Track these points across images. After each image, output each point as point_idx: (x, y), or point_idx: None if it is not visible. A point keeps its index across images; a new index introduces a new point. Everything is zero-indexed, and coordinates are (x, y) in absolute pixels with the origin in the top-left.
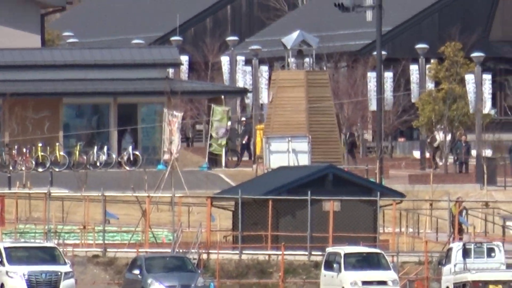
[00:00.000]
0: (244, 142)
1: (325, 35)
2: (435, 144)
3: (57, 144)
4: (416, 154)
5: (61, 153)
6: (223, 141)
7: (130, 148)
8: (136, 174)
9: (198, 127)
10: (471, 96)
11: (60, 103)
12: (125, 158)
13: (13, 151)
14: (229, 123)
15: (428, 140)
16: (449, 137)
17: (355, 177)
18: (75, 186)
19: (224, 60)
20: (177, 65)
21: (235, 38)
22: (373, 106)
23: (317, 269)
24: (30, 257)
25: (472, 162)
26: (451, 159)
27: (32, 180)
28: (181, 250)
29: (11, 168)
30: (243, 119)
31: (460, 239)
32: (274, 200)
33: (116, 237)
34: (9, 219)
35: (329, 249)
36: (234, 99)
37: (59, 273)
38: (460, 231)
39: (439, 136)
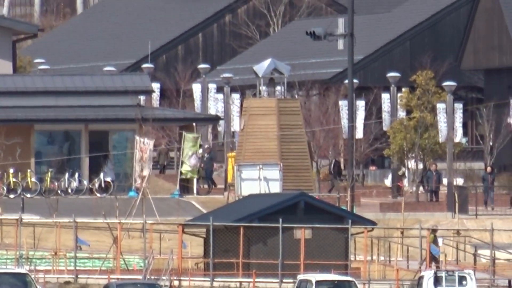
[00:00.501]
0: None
1: (296, 63)
2: (400, 173)
3: (28, 170)
4: (387, 182)
5: (33, 179)
6: (195, 170)
7: (102, 175)
8: (107, 201)
9: (171, 154)
10: (442, 125)
11: (32, 130)
12: (97, 185)
13: None
14: (201, 150)
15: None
16: (420, 165)
17: (327, 205)
18: (46, 213)
19: (196, 87)
20: (148, 92)
21: (207, 66)
22: (344, 134)
23: None
24: (1, 284)
25: (444, 190)
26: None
27: (3, 206)
28: (152, 277)
29: None
30: (206, 146)
31: (437, 267)
32: (245, 227)
33: (88, 263)
34: None
35: (301, 277)
36: (206, 127)
37: None
38: (435, 259)
39: (405, 164)
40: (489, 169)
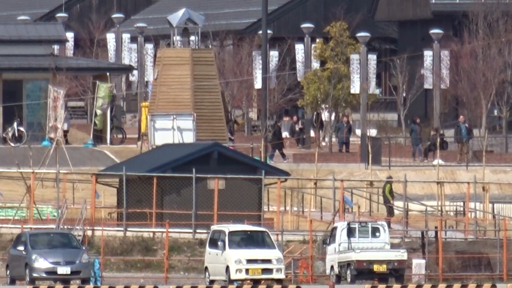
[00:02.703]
0: None
1: (211, 13)
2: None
3: None
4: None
5: None
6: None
7: (15, 124)
8: (21, 150)
9: (82, 103)
10: (355, 76)
11: None
12: (10, 134)
13: None
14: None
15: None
16: (333, 116)
17: (240, 155)
18: None
19: (110, 37)
20: (62, 41)
21: (121, 15)
22: (258, 85)
23: (202, 247)
24: None
25: (357, 141)
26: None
27: None
28: (65, 227)
29: None
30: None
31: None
32: (158, 178)
33: (1, 213)
34: None
35: (214, 227)
36: (120, 77)
37: None
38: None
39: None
40: (418, 120)
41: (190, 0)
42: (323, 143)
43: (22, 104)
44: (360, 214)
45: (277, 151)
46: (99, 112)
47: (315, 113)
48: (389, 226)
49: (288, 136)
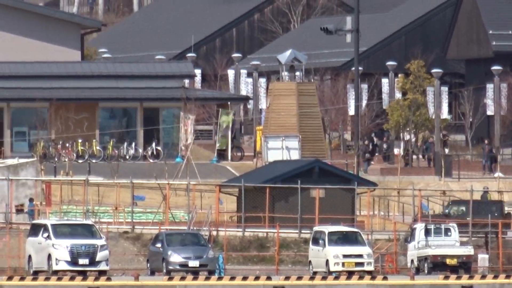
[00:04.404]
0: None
1: (312, 53)
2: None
3: (94, 140)
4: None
5: (97, 147)
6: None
7: (153, 144)
8: (158, 165)
9: (208, 127)
10: (431, 104)
11: (97, 107)
12: (149, 152)
13: (58, 146)
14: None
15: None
16: (413, 137)
17: (337, 170)
18: (108, 175)
19: (230, 72)
20: (191, 76)
21: (239, 55)
22: (351, 112)
23: (306, 244)
24: (72, 232)
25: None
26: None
27: (73, 170)
28: (195, 228)
29: (56, 159)
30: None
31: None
32: (270, 188)
33: (142, 216)
34: (55, 201)
35: (316, 228)
36: (238, 105)
37: (96, 246)
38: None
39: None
40: (486, 141)
41: (296, 42)
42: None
43: (159, 127)
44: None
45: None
46: (221, 134)
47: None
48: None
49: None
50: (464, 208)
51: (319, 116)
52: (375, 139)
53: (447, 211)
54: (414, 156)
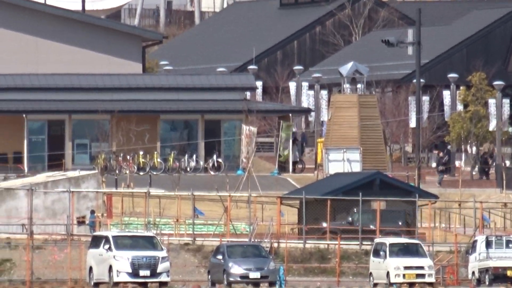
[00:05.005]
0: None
1: (374, 65)
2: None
3: (155, 152)
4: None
5: (158, 160)
6: (287, 151)
7: (215, 156)
8: (219, 177)
9: (269, 139)
10: (492, 116)
11: (158, 119)
12: (210, 164)
13: (119, 158)
14: (295, 136)
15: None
16: (474, 149)
17: (398, 182)
18: (169, 187)
19: (292, 85)
20: (253, 89)
21: (301, 67)
22: (412, 124)
23: (367, 256)
24: (133, 244)
25: (493, 170)
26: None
27: (134, 182)
28: (256, 240)
29: (117, 171)
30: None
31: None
32: (332, 200)
33: (203, 228)
34: (116, 213)
35: (377, 240)
36: (300, 117)
37: (157, 258)
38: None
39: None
40: None
41: (357, 55)
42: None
43: (220, 140)
44: (496, 229)
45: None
46: (283, 146)
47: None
48: None
49: (434, 166)
50: None
51: (380, 128)
52: (450, 149)
53: None
54: (476, 169)
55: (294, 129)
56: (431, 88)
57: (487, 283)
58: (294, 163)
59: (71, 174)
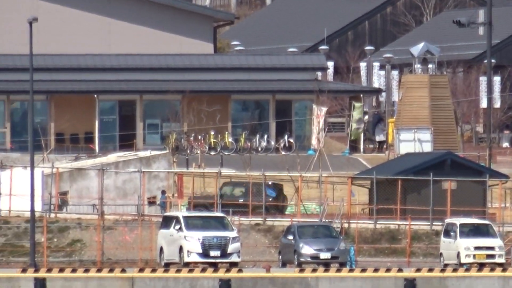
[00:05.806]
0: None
1: (445, 46)
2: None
3: (226, 132)
4: None
5: (230, 140)
6: (360, 130)
7: (286, 136)
8: (290, 157)
9: (340, 119)
10: None
11: (229, 99)
12: (282, 144)
13: (190, 138)
14: (366, 116)
15: None
16: None
17: (469, 162)
18: (240, 167)
19: (363, 65)
20: (324, 69)
21: (372, 48)
22: (484, 104)
23: (437, 237)
24: (204, 225)
25: None
26: None
27: (205, 162)
28: (326, 220)
29: (188, 152)
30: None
31: None
32: (402, 180)
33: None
34: (187, 193)
35: (448, 220)
36: (371, 97)
37: (228, 238)
38: None
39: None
40: None
41: (428, 35)
42: None
43: (291, 120)
44: None
45: None
46: (354, 126)
47: None
48: None
49: (508, 146)
50: None
51: (451, 109)
52: None
53: None
54: None
55: (366, 109)
56: (502, 68)
57: None
58: (380, 142)
59: (142, 154)
